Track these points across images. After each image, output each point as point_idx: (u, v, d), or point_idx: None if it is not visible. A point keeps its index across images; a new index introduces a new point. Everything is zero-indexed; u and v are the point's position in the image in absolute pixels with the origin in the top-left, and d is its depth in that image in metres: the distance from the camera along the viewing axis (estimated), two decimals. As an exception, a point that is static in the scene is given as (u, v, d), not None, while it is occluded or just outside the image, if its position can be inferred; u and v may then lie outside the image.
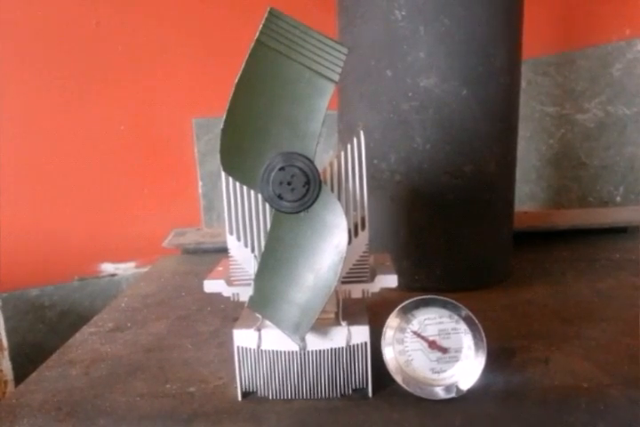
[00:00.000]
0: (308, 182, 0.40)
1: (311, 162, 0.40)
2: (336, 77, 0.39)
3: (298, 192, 0.40)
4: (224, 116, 0.39)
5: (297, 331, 0.41)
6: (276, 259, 0.41)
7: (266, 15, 0.38)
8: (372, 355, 0.44)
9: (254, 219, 0.43)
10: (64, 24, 0.98)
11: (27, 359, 0.92)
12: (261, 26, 0.38)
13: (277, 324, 0.41)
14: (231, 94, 0.38)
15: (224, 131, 0.39)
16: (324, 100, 0.40)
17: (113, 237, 1.06)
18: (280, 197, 0.40)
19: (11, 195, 0.99)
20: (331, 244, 0.40)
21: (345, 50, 0.39)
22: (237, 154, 0.40)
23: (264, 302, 0.41)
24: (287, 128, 0.40)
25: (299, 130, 0.40)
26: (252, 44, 0.38)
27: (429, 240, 0.69)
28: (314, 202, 0.40)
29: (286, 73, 0.39)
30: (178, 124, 1.08)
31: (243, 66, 0.38)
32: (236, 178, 0.41)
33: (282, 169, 0.40)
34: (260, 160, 0.40)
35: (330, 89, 0.39)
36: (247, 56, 0.38)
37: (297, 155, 0.40)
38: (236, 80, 0.38)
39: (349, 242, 0.44)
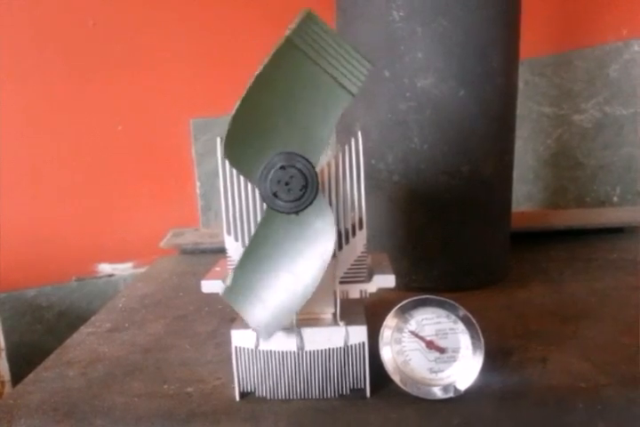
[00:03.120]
0: (305, 186, 0.40)
1: (313, 167, 0.40)
2: (355, 91, 0.39)
3: (294, 193, 0.40)
4: (237, 104, 0.38)
5: (264, 329, 0.41)
6: (259, 255, 0.41)
7: (302, 15, 0.38)
8: (369, 355, 0.44)
9: (252, 219, 0.43)
10: (61, 24, 0.98)
11: (24, 360, 0.92)
12: (295, 25, 0.38)
13: (246, 318, 0.41)
14: (249, 84, 0.38)
15: (234, 118, 0.39)
16: (338, 111, 0.40)
17: (110, 238, 1.06)
18: (275, 195, 0.40)
19: (9, 195, 0.99)
20: (315, 251, 0.40)
21: (369, 65, 0.39)
22: (242, 144, 0.40)
23: (238, 295, 0.41)
24: (297, 130, 0.39)
25: (308, 134, 0.39)
26: (282, 41, 0.38)
27: (427, 240, 0.69)
28: (307, 206, 0.40)
29: (309, 77, 0.39)
30: (176, 124, 1.08)
31: (267, 60, 0.38)
32: (236, 167, 0.41)
33: (282, 168, 0.40)
34: (263, 155, 0.40)
35: (347, 101, 0.39)
36: (273, 51, 0.38)
37: (300, 157, 0.39)
38: (257, 72, 0.38)
39: (347, 242, 0.44)
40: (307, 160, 0.40)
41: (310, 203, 0.40)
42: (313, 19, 0.38)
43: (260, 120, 0.39)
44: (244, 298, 0.41)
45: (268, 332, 0.41)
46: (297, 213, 0.40)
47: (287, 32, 0.38)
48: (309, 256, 0.40)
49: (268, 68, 0.38)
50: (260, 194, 0.40)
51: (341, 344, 0.43)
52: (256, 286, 0.41)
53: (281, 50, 0.38)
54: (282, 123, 0.39)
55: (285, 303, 0.40)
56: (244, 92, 0.38)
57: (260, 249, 0.41)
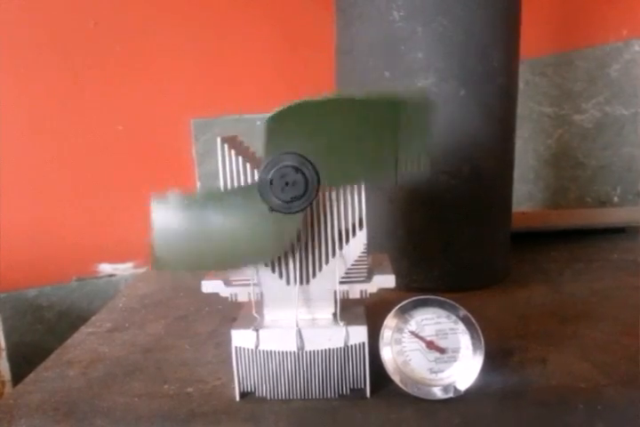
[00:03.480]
0: (299, 197, 0.40)
1: (318, 184, 0.40)
2: (395, 182, 0.40)
3: (284, 196, 0.40)
4: (313, 99, 0.38)
5: (162, 258, 0.41)
6: (213, 208, 0.41)
7: (423, 95, 0.39)
8: (369, 355, 0.44)
9: (252, 219, 0.43)
10: (62, 24, 0.98)
11: (24, 360, 0.92)
12: (415, 97, 0.39)
13: (155, 244, 0.41)
14: (334, 92, 0.38)
15: (301, 105, 0.39)
16: (380, 180, 0.42)
17: (111, 238, 1.06)
18: (271, 182, 0.40)
19: (9, 195, 0.99)
20: (264, 247, 0.41)
21: (426, 173, 0.40)
22: (288, 123, 0.39)
23: (166, 222, 0.41)
24: (330, 162, 0.40)
25: (341, 165, 0.40)
26: (393, 100, 0.39)
27: (427, 240, 0.69)
28: (285, 213, 0.40)
29: (381, 141, 0.39)
30: (176, 124, 1.08)
31: (368, 93, 0.38)
32: (267, 137, 0.40)
33: (294, 168, 0.40)
34: (294, 144, 0.39)
35: (381, 182, 0.40)
36: (379, 97, 0.39)
37: (314, 170, 0.39)
38: (352, 94, 0.39)
39: (347, 242, 0.44)
40: (317, 177, 0.39)
41: (292, 213, 0.40)
42: (430, 105, 0.40)
43: (313, 124, 0.39)
44: (167, 228, 0.41)
45: (159, 264, 0.41)
46: (272, 211, 0.40)
47: (403, 96, 0.39)
48: (254, 244, 0.41)
49: (362, 105, 0.39)
50: (259, 177, 0.40)
51: (341, 344, 0.43)
52: (190, 222, 0.41)
53: (386, 103, 0.39)
54: (331, 145, 0.39)
55: (197, 254, 0.41)
56: (327, 94, 0.38)
57: (221, 202, 0.41)
